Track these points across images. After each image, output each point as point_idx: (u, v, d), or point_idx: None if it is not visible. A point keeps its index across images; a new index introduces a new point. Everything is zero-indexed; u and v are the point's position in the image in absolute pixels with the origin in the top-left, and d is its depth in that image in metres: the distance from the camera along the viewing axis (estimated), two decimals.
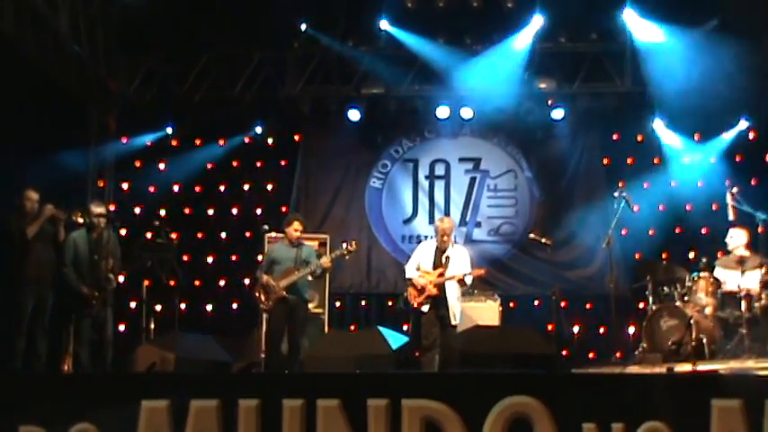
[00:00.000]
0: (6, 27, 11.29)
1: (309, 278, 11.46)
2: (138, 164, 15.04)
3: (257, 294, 11.28)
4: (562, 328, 12.32)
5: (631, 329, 13.17)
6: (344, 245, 11.62)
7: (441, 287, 11.08)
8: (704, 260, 11.53)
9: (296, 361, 11.26)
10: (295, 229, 11.34)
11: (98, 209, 10.95)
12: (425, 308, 11.08)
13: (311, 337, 13.02)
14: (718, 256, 11.65)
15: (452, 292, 11.13)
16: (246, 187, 15.23)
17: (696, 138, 14.82)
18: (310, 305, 13.22)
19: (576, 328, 14.06)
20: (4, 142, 11.13)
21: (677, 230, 14.71)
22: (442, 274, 11.12)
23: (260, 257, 12.30)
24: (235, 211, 15.16)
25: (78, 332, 10.80)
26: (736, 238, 11.34)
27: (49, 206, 10.40)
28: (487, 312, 13.23)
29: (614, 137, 15.24)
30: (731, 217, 11.40)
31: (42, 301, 10.41)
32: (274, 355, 11.12)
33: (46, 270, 10.44)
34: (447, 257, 11.18)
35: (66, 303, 11.08)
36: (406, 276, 11.50)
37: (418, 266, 11.37)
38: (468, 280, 11.30)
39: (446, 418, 4.99)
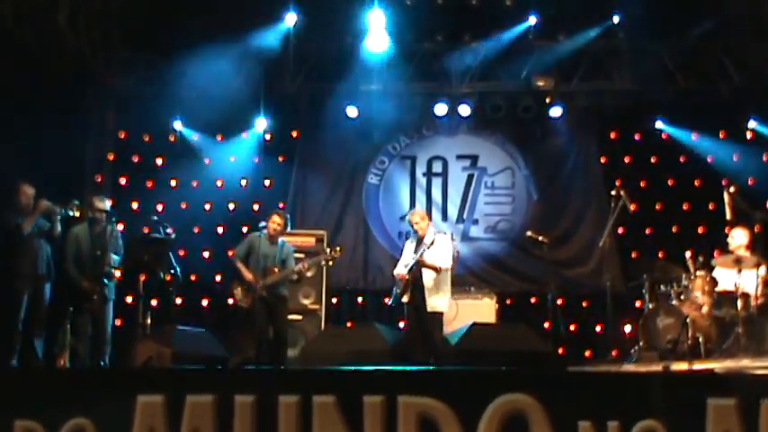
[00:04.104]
0: (5, 21, 11.28)
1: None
2: (135, 159, 15.04)
3: (236, 291, 11.24)
4: (558, 326, 12.30)
5: (628, 328, 13.20)
6: (329, 250, 11.59)
7: (415, 272, 10.73)
8: (701, 259, 11.51)
9: (285, 355, 11.26)
10: (273, 221, 11.23)
11: (101, 204, 10.92)
12: (405, 298, 10.87)
13: (307, 333, 13.04)
14: (715, 255, 11.65)
15: (427, 278, 10.71)
16: (243, 183, 15.21)
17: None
18: (306, 301, 13.31)
19: (572, 326, 14.05)
20: (0, 136, 11.12)
21: (674, 229, 14.72)
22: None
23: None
24: (231, 206, 15.14)
25: (76, 327, 10.79)
26: (738, 238, 11.31)
27: (44, 201, 10.39)
28: (484, 310, 13.27)
29: (612, 135, 15.26)
30: (728, 216, 11.40)
31: (38, 296, 10.39)
32: (263, 352, 11.06)
33: (41, 265, 10.42)
34: (425, 244, 10.91)
35: (64, 298, 11.07)
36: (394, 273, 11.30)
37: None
38: (436, 264, 10.75)
39: (442, 415, 4.99)
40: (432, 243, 10.74)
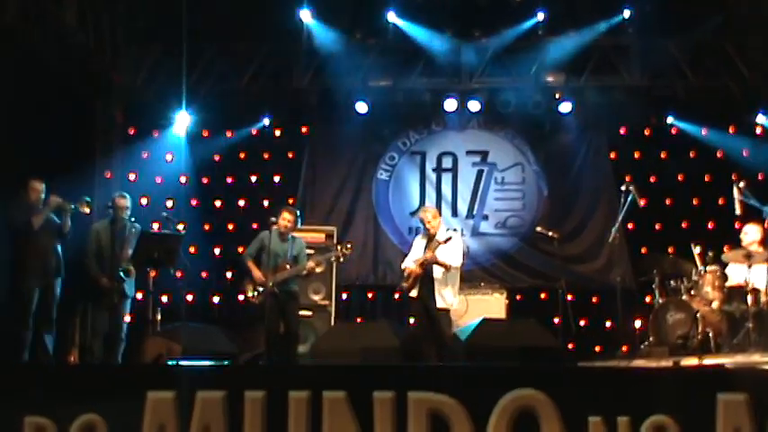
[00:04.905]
0: (11, 19, 11.30)
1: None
2: (145, 155, 15.05)
3: (247, 287, 11.23)
4: (568, 322, 12.27)
5: (638, 323, 13.15)
6: (339, 246, 11.54)
7: (426, 268, 10.65)
8: (711, 254, 11.50)
9: (295, 351, 11.25)
10: (284, 218, 11.19)
11: (123, 201, 10.96)
12: (413, 293, 10.77)
13: (318, 329, 13.04)
14: (725, 250, 11.63)
15: (437, 275, 10.63)
16: (253, 179, 15.23)
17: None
18: (316, 297, 13.29)
19: (582, 322, 14.01)
20: (10, 134, 11.13)
21: (684, 224, 14.70)
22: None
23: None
24: (242, 202, 15.16)
25: (93, 324, 10.82)
26: (751, 234, 11.27)
27: (55, 197, 10.41)
28: (494, 305, 13.26)
29: (621, 131, 15.25)
30: (738, 211, 11.38)
31: (48, 292, 10.41)
32: (274, 348, 11.05)
33: (51, 261, 10.44)
34: (437, 242, 10.84)
35: (75, 294, 11.09)
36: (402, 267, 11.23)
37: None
38: (448, 261, 10.69)
39: (452, 411, 4.99)
40: (446, 240, 10.69)
